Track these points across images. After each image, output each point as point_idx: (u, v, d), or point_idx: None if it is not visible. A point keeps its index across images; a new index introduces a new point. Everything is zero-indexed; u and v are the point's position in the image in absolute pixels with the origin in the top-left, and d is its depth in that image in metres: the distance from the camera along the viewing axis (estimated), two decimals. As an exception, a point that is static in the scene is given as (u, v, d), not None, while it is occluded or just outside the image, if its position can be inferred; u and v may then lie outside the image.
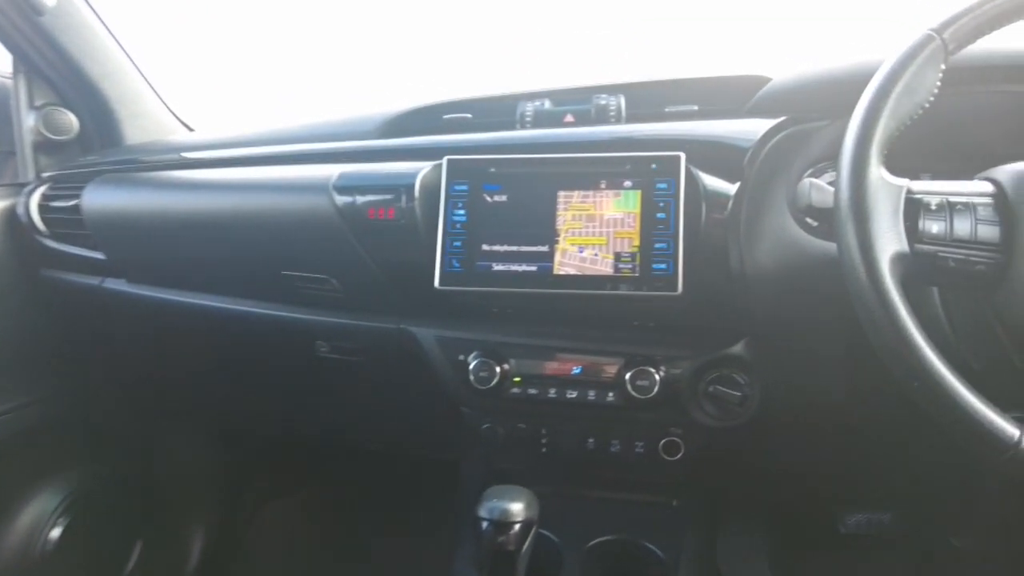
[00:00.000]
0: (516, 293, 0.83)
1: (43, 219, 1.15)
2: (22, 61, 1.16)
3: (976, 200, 0.59)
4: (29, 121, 1.18)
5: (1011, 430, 0.53)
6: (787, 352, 0.85)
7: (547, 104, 0.95)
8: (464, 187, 0.85)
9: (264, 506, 1.59)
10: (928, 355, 0.54)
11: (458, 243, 0.84)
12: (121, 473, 1.38)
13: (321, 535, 1.56)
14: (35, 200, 1.15)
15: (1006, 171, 0.60)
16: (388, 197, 0.88)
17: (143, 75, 1.24)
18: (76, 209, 1.08)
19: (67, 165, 1.19)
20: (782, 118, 0.82)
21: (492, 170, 0.85)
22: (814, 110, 0.83)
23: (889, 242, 0.57)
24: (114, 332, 1.25)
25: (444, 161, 0.86)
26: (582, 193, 0.82)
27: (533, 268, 0.83)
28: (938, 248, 0.58)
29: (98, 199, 1.06)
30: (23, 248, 1.16)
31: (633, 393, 0.85)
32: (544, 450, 0.97)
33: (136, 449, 1.42)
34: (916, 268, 0.58)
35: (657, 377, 0.84)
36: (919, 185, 0.60)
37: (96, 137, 1.23)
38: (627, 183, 0.81)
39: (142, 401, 1.41)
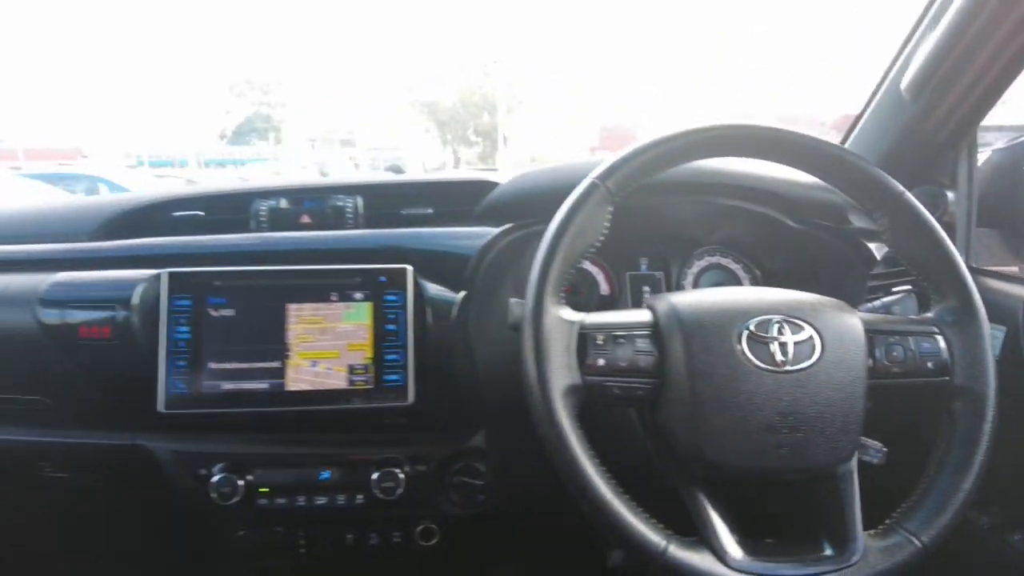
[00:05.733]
0: (248, 413, 0.81)
1: None
2: None
3: (635, 332, 0.67)
4: None
5: (657, 539, 0.61)
6: (519, 439, 0.91)
7: (283, 203, 0.93)
8: (187, 302, 0.81)
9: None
10: (593, 481, 0.62)
11: (182, 362, 0.80)
12: None
13: None
14: None
15: (662, 301, 0.69)
16: (102, 314, 0.81)
17: None
18: None
19: None
20: (506, 226, 0.89)
21: (217, 283, 0.82)
22: (534, 214, 0.90)
23: (562, 377, 0.63)
24: None
25: (164, 274, 0.81)
26: (313, 306, 0.82)
27: (265, 385, 0.81)
28: (604, 379, 0.66)
29: None
30: None
31: (379, 495, 0.86)
32: (303, 551, 0.96)
33: None
34: (588, 397, 0.65)
35: (401, 477, 0.87)
36: (591, 319, 0.67)
37: None
38: (358, 295, 0.83)
39: None
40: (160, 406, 0.79)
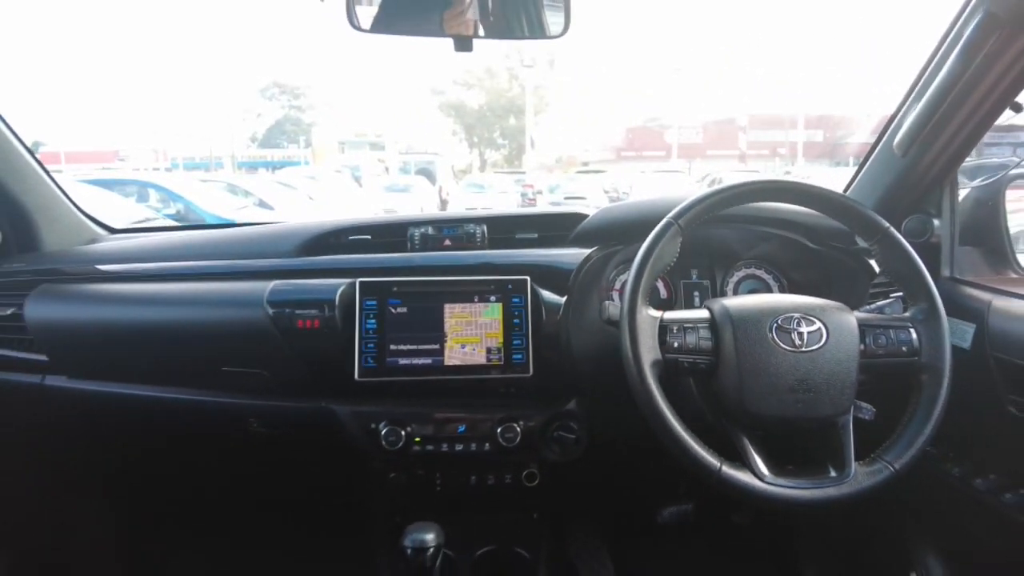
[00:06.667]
0: (418, 380, 1.14)
1: None
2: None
3: (699, 324, 0.98)
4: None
5: (714, 461, 0.92)
6: (603, 405, 1.23)
7: (430, 230, 1.27)
8: (374, 303, 1.15)
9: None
10: (667, 417, 0.92)
11: (371, 345, 1.14)
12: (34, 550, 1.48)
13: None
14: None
15: (716, 304, 1.00)
16: (314, 311, 1.14)
17: (57, 185, 1.37)
18: (13, 317, 1.22)
19: None
20: (594, 247, 1.21)
21: (395, 289, 1.15)
22: (614, 239, 1.23)
23: (649, 354, 0.94)
24: (55, 425, 1.37)
25: (357, 282, 1.14)
26: (462, 306, 1.15)
27: (429, 361, 1.14)
28: (677, 356, 0.97)
29: (43, 310, 1.20)
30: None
31: (502, 443, 1.18)
32: (438, 488, 1.29)
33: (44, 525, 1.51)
34: (666, 369, 0.96)
35: (518, 429, 1.18)
36: (668, 316, 0.98)
37: (14, 244, 1.34)
38: (492, 298, 1.15)
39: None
40: (356, 376, 1.13)
